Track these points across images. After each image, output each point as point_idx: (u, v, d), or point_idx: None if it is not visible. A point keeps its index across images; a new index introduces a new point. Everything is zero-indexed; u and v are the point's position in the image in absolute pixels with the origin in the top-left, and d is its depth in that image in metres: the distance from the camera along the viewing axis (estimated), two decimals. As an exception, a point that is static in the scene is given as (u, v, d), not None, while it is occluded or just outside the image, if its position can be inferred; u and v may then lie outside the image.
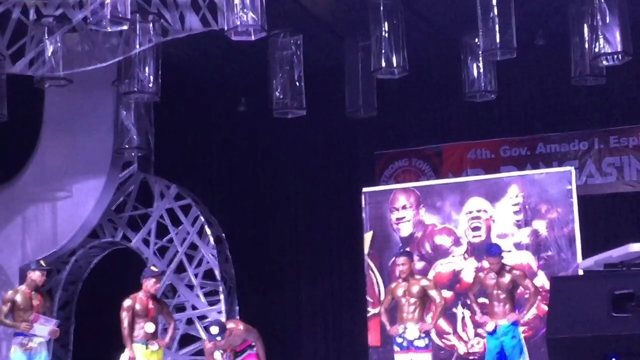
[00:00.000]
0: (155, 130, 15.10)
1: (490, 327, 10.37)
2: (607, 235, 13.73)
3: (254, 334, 10.78)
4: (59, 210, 14.32)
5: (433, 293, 10.63)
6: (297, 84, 12.74)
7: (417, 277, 10.90)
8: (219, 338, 10.31)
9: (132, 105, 13.94)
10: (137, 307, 10.68)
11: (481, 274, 10.66)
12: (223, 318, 14.11)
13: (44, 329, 10.77)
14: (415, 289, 10.60)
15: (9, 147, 14.87)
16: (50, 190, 14.35)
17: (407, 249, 11.98)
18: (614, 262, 9.09)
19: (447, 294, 12.19)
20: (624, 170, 14.44)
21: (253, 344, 10.79)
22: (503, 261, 10.70)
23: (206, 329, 10.57)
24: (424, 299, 10.63)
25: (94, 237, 14.98)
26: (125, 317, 10.62)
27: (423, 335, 10.51)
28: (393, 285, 10.93)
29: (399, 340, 10.55)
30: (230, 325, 10.68)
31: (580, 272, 11.24)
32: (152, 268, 11.32)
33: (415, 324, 10.49)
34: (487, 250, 10.92)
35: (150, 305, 10.73)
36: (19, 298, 10.83)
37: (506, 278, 10.39)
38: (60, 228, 14.25)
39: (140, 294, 10.75)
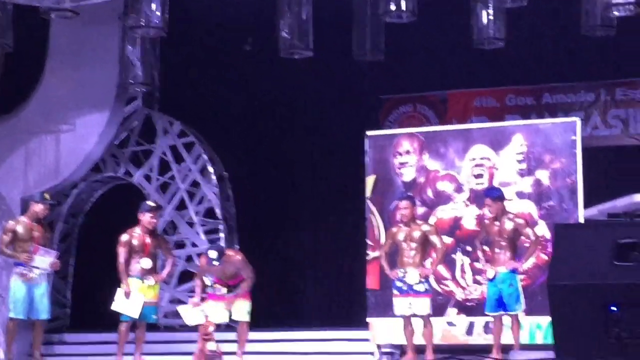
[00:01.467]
0: (160, 66, 15.05)
1: (490, 274, 10.41)
2: (609, 188, 13.70)
3: (249, 270, 10.79)
4: (62, 143, 14.31)
5: (434, 239, 10.65)
6: (305, 24, 12.64)
7: (419, 222, 10.92)
8: (216, 263, 10.43)
9: (137, 40, 13.88)
10: (134, 242, 10.69)
11: (486, 221, 10.67)
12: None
13: (44, 260, 10.78)
14: (416, 234, 10.61)
15: (13, 78, 14.80)
16: (54, 123, 14.32)
17: (410, 194, 11.97)
18: (617, 212, 9.12)
19: (447, 240, 12.19)
20: (630, 123, 14.40)
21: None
22: (507, 209, 10.69)
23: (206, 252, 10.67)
24: (425, 244, 10.65)
25: (96, 171, 15.01)
26: (121, 252, 10.64)
27: (423, 280, 10.55)
28: (394, 229, 10.95)
29: (399, 284, 10.60)
30: (229, 252, 10.75)
31: (582, 221, 11.30)
32: (149, 203, 11.31)
33: (415, 269, 10.52)
34: (485, 192, 10.95)
35: (147, 241, 10.74)
36: (19, 229, 10.84)
37: (508, 225, 10.40)
38: (62, 161, 14.25)
39: (138, 229, 10.75)
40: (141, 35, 13.27)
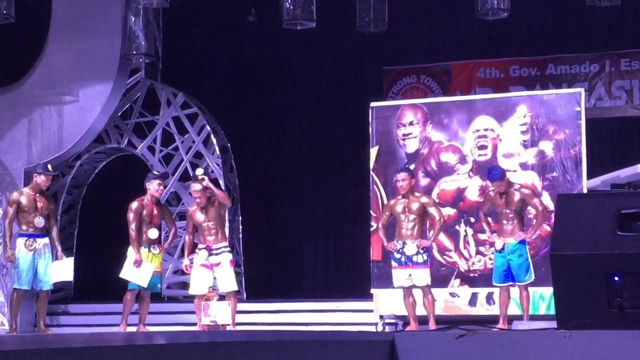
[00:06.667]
0: (163, 37, 15.01)
1: (498, 245, 10.35)
2: (613, 159, 13.71)
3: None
4: (65, 114, 14.32)
5: (432, 211, 10.58)
6: (308, -5, 12.59)
7: (417, 194, 10.83)
8: (204, 182, 10.43)
9: (140, 10, 13.83)
10: (143, 212, 10.68)
11: (491, 192, 10.58)
12: (226, 230, 14.16)
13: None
14: (415, 206, 10.54)
15: (16, 49, 14.78)
16: (57, 94, 14.32)
17: (408, 166, 11.94)
18: (621, 182, 9.11)
19: (451, 211, 12.20)
20: (634, 94, 14.36)
21: (228, 249, 10.67)
22: (512, 180, 10.64)
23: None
24: (424, 216, 10.59)
25: (99, 142, 15.02)
26: (132, 219, 10.55)
27: (422, 251, 10.50)
28: (392, 202, 10.86)
29: (397, 255, 10.53)
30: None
31: (585, 191, 11.28)
32: (155, 172, 11.34)
33: (413, 241, 10.47)
34: (487, 175, 10.82)
35: (155, 211, 10.73)
36: (23, 200, 10.80)
37: (515, 196, 10.32)
38: (66, 132, 14.27)
39: (146, 199, 10.73)
40: (144, 6, 13.25)
